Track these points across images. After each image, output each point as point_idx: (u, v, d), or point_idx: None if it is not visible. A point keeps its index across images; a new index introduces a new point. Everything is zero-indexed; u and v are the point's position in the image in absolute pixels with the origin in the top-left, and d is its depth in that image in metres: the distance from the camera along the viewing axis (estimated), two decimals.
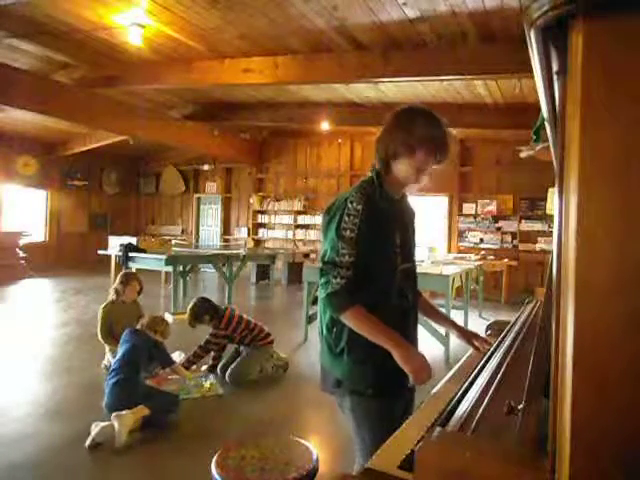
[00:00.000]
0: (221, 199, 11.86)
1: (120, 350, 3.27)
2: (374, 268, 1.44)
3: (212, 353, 4.02)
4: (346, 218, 1.40)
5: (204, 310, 3.93)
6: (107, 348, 3.98)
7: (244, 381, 3.80)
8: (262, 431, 2.92)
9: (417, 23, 4.69)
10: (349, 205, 1.41)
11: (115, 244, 7.57)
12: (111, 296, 4.07)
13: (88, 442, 2.62)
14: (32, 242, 10.21)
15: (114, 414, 2.72)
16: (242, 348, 3.99)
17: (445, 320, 1.81)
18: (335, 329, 1.47)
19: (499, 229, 9.06)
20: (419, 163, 1.42)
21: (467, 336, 1.70)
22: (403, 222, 1.58)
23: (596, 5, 0.53)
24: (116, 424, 2.66)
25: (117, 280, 4.09)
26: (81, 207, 11.75)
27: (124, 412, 2.75)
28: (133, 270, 4.35)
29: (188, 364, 3.82)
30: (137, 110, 8.18)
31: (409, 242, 1.59)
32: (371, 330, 1.39)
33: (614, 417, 0.55)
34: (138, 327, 3.47)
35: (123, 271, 4.35)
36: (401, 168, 1.45)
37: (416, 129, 1.40)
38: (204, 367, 4.01)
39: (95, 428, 2.67)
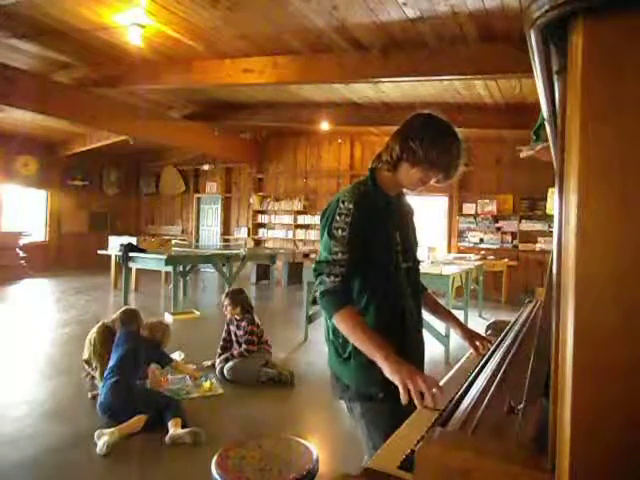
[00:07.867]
0: (221, 199, 11.85)
1: (117, 352, 3.26)
2: (373, 268, 1.43)
3: (218, 350, 4.08)
4: (337, 217, 1.40)
5: (248, 302, 4.11)
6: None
7: (241, 379, 3.79)
8: (262, 431, 2.92)
9: (417, 23, 4.69)
10: (340, 205, 1.42)
11: (115, 244, 7.56)
12: (107, 321, 3.76)
13: (102, 450, 2.61)
14: (32, 242, 10.21)
15: (113, 429, 2.72)
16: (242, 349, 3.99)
17: (450, 318, 1.78)
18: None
19: (499, 229, 9.05)
20: (426, 178, 1.46)
21: (470, 337, 1.69)
22: (401, 220, 1.57)
23: (596, 5, 0.53)
24: (106, 437, 2.65)
25: (118, 313, 3.72)
26: (81, 207, 11.74)
27: (125, 424, 2.76)
28: (133, 307, 3.94)
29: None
30: (137, 110, 8.17)
31: (409, 241, 1.57)
32: (360, 336, 1.34)
33: (614, 417, 0.55)
34: (135, 329, 3.46)
35: (126, 308, 3.97)
36: (407, 174, 1.46)
37: (439, 152, 1.40)
38: (207, 363, 4.05)
39: (99, 439, 2.66)
